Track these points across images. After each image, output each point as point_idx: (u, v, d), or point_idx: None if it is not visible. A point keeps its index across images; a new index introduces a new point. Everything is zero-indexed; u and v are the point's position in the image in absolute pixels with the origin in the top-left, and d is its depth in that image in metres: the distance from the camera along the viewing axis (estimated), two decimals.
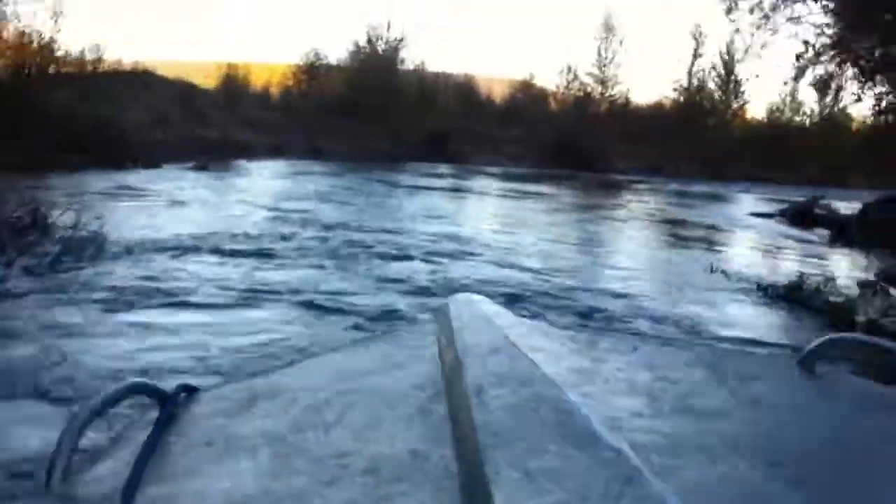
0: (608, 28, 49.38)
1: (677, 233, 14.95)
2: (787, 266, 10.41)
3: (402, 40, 45.93)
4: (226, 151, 23.78)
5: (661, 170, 41.25)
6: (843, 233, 14.75)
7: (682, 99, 50.80)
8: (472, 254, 9.28)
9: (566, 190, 25.30)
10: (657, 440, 0.83)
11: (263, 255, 8.34)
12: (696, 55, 50.19)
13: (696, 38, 50.08)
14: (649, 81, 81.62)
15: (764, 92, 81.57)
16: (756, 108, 55.42)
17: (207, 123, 30.20)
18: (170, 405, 1.07)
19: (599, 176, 36.14)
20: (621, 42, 49.33)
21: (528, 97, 50.95)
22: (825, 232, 15.95)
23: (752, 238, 15.09)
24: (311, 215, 12.14)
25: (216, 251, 8.31)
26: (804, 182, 41.89)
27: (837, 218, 17.18)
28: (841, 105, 51.71)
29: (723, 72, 50.70)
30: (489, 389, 0.84)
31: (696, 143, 45.04)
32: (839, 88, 16.84)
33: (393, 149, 35.30)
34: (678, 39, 55.39)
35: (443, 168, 31.69)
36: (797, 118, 52.08)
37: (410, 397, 0.99)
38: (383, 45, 46.12)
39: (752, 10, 15.76)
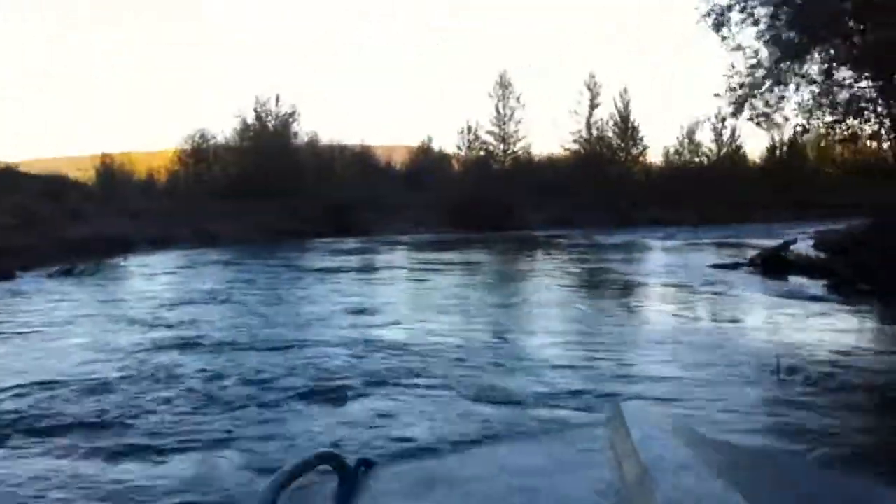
0: (503, 85, 49.04)
1: (650, 302, 12.42)
2: (841, 343, 8.16)
3: (293, 113, 44.03)
4: (101, 249, 20.84)
5: (571, 222, 40.35)
6: (841, 281, 13.04)
7: (583, 150, 50.64)
8: (417, 376, 6.84)
9: (485, 255, 23.52)
10: None
11: (114, 428, 5.31)
12: (592, 105, 50.37)
13: (590, 89, 50.36)
14: (550, 135, 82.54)
15: (664, 135, 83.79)
16: (656, 152, 55.99)
17: (82, 220, 27.06)
18: (350, 477, 1.14)
19: (512, 234, 34.76)
20: (518, 98, 49.04)
21: (429, 161, 49.70)
22: (806, 281, 14.12)
23: (748, 301, 12.39)
24: (198, 330, 9.48)
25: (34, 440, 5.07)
26: (713, 221, 42.03)
27: (813, 262, 15.70)
28: (737, 143, 53.09)
29: (619, 119, 51.00)
30: None
31: (601, 192, 44.60)
32: (774, 123, 15.78)
33: (295, 226, 32.90)
34: (575, 90, 55.27)
35: (350, 243, 29.50)
36: (696, 159, 52.66)
37: (591, 503, 0.97)
38: (273, 120, 44.05)
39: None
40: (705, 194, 45.96)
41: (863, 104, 14.26)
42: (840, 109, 14.47)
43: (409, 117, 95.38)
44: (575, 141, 50.66)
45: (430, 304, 12.25)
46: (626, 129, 51.05)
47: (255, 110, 43.60)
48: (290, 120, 44.11)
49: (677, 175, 49.82)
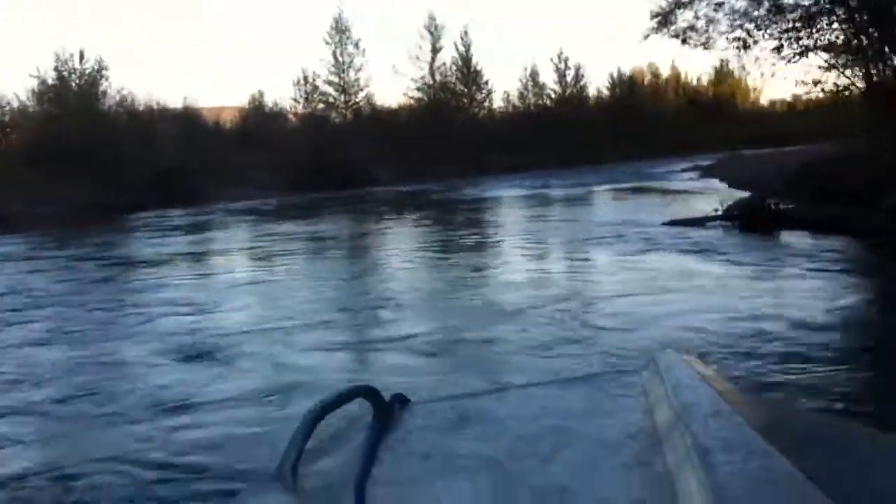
0: (340, 30, 45.30)
1: (614, 285, 8.69)
2: None
3: (100, 70, 38.39)
4: None
5: (423, 175, 38.09)
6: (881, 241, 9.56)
7: (427, 98, 48.19)
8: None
9: (332, 226, 20.64)
10: None
11: None
12: (434, 50, 47.81)
13: (431, 32, 47.73)
14: (394, 83, 78.82)
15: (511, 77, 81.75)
16: (499, 96, 54.43)
17: None
18: (387, 412, 1.12)
19: (363, 192, 31.96)
20: (357, 44, 45.48)
21: (261, 118, 45.34)
22: (817, 241, 10.65)
23: (769, 277, 8.80)
24: None
25: None
26: (565, 166, 41.14)
27: (818, 216, 11.69)
28: (581, 83, 52.48)
29: (461, 63, 48.87)
30: (715, 453, 0.81)
31: (450, 141, 42.50)
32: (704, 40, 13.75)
33: (109, 200, 28.33)
34: (416, 35, 52.27)
35: (176, 216, 25.60)
36: (540, 101, 51.64)
37: (626, 446, 0.97)
38: (77, 79, 38.27)
39: None
40: (555, 138, 45.04)
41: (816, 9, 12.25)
42: (790, 17, 12.39)
43: (238, 75, 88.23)
44: (419, 89, 48.16)
45: (270, 314, 8.43)
46: (469, 73, 49.04)
47: (56, 69, 37.71)
48: (99, 77, 38.55)
49: (526, 119, 48.60)
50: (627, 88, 54.76)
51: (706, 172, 28.57)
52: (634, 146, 45.93)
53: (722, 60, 56.59)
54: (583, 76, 52.02)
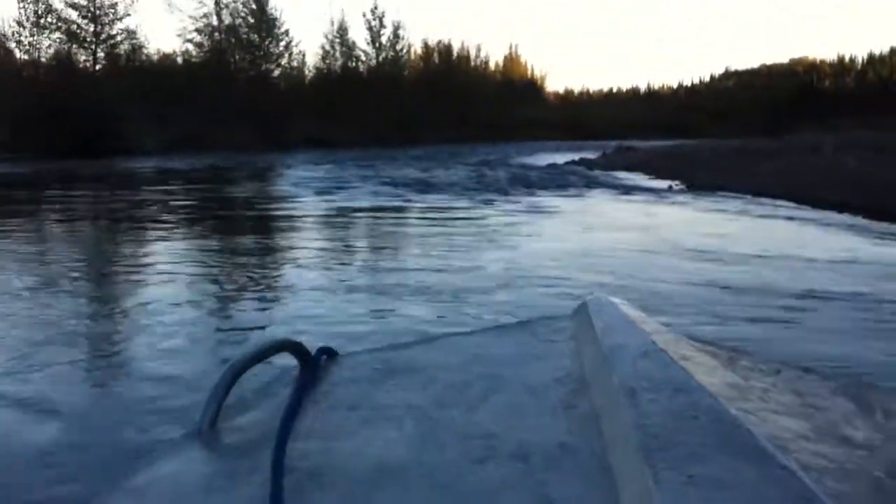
0: None
1: None
2: None
3: None
4: None
5: (201, 143, 29.28)
6: None
7: (208, 44, 38.49)
8: None
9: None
10: (822, 464, 0.78)
11: None
12: None
13: None
14: (168, 21, 65.52)
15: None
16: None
17: None
18: (312, 365, 1.10)
19: (115, 168, 22.31)
20: None
21: None
22: None
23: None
24: None
25: None
26: (383, 145, 34.04)
27: None
28: (399, 46, 45.11)
29: (253, 7, 39.62)
30: (641, 392, 0.82)
31: (240, 103, 33.60)
32: None
33: None
34: None
35: None
36: (351, 63, 43.61)
37: (553, 390, 0.98)
38: None
39: None
40: (368, 110, 37.62)
41: None
42: None
43: None
44: (199, 31, 38.23)
45: None
46: (263, 19, 39.87)
47: None
48: None
49: (335, 85, 40.48)
50: (444, 60, 48.51)
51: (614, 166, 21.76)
52: (455, 127, 39.94)
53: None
54: (402, 37, 44.73)
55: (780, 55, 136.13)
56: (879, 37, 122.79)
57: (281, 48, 41.29)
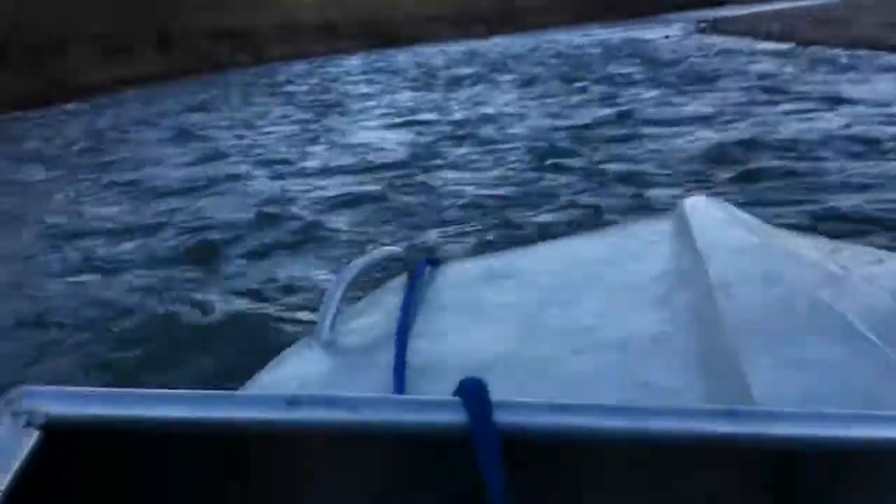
0: None
1: None
2: None
3: None
4: None
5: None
6: None
7: None
8: None
9: None
10: None
11: None
12: None
13: None
14: None
15: None
16: None
17: None
18: (419, 273, 1.13)
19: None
20: None
21: None
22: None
23: None
24: None
25: None
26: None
27: None
28: None
29: None
30: (737, 285, 0.82)
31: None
32: None
33: None
34: None
35: None
36: None
37: (651, 286, 0.99)
38: None
39: None
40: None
41: None
42: None
43: None
44: None
45: None
46: None
47: None
48: None
49: None
50: None
51: None
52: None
53: None
54: None
55: None
56: None
57: None
